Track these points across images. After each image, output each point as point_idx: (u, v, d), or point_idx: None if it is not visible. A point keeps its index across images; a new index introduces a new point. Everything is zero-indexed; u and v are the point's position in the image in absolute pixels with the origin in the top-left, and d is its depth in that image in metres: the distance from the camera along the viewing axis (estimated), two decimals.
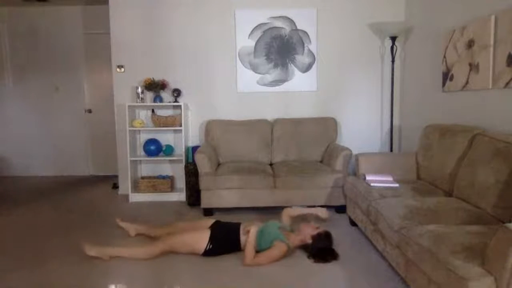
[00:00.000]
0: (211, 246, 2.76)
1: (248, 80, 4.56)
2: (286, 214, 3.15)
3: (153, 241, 2.86)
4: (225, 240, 2.81)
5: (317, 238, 2.74)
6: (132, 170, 4.40)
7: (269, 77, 4.57)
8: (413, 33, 4.25)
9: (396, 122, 4.63)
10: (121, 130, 4.61)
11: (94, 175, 5.95)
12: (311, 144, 4.32)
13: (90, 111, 5.94)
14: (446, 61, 3.47)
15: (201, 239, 2.77)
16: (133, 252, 2.75)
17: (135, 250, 2.76)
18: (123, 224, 3.24)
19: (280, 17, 4.49)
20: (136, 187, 4.50)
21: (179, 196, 4.42)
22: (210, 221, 3.01)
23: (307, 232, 2.78)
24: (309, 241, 2.75)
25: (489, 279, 1.54)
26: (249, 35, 4.51)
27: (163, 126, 4.38)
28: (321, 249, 2.73)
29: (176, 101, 4.46)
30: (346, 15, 4.51)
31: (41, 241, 3.15)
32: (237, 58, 4.54)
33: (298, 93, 4.59)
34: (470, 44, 3.10)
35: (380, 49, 4.55)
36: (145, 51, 4.56)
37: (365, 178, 3.23)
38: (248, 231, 2.78)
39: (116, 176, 5.22)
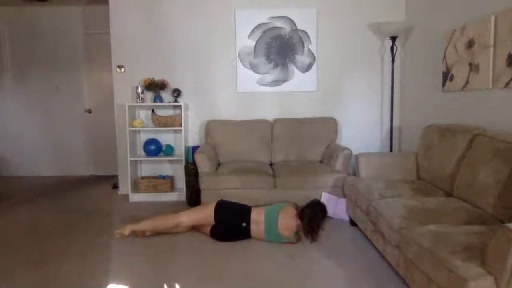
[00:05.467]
0: (222, 202, 3.12)
1: (248, 80, 4.56)
2: None
3: (166, 214, 3.20)
4: (234, 204, 3.16)
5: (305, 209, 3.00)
6: (132, 170, 4.40)
7: (269, 77, 4.57)
8: (413, 33, 4.25)
9: (396, 122, 4.63)
10: (121, 130, 4.61)
11: (94, 175, 5.95)
12: (311, 144, 4.32)
13: (90, 111, 5.94)
14: (446, 61, 3.47)
15: (210, 205, 3.12)
16: (147, 225, 3.07)
17: (149, 223, 3.08)
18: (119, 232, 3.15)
19: (280, 17, 4.49)
20: (136, 187, 4.49)
21: (179, 196, 4.42)
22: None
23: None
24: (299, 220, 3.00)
25: (489, 279, 1.54)
26: (249, 35, 4.51)
27: (163, 126, 4.37)
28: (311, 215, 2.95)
29: (176, 101, 4.46)
30: (346, 15, 4.51)
31: (41, 241, 3.15)
32: (237, 58, 4.54)
33: (298, 93, 4.59)
34: (470, 44, 3.10)
35: (380, 49, 4.55)
36: (145, 51, 4.56)
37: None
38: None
39: (116, 176, 5.22)
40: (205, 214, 3.07)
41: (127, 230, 3.04)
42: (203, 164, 3.82)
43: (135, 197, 4.39)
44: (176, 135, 4.66)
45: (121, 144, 4.62)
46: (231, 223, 3.05)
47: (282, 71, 4.56)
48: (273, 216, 2.99)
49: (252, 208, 3.10)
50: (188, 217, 3.09)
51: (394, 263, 2.34)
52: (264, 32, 4.51)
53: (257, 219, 3.02)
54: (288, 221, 2.96)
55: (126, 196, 4.50)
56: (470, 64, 3.10)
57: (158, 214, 3.24)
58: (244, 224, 3.02)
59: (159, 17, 4.52)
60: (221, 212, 3.06)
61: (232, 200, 3.31)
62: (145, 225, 3.08)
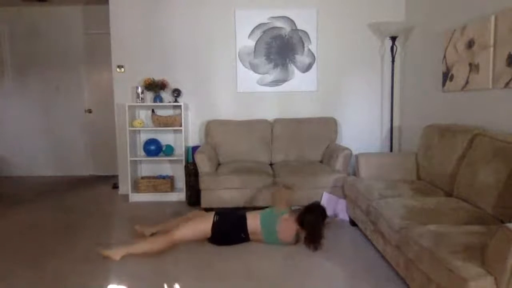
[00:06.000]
0: (218, 218, 2.92)
1: (248, 80, 4.56)
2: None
3: (160, 235, 2.90)
4: (231, 216, 3.00)
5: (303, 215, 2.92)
6: (132, 170, 4.40)
7: (269, 77, 4.57)
8: (413, 33, 4.25)
9: (396, 122, 4.63)
10: (121, 130, 4.61)
11: (94, 175, 5.95)
12: (311, 144, 4.32)
13: (90, 111, 5.94)
14: (446, 61, 3.47)
15: (206, 219, 2.94)
16: (141, 248, 2.78)
17: (143, 245, 2.80)
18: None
19: (280, 17, 4.49)
20: (136, 187, 4.49)
21: (179, 196, 4.42)
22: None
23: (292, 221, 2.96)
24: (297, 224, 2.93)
25: (489, 279, 1.54)
26: (249, 35, 4.51)
27: (163, 126, 4.37)
28: (311, 223, 2.87)
29: (176, 101, 4.46)
30: (346, 15, 4.51)
31: (42, 241, 3.15)
32: (237, 58, 4.54)
33: (298, 93, 4.59)
34: (470, 44, 3.10)
35: (380, 49, 4.55)
36: (145, 51, 4.56)
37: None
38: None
39: (116, 176, 5.22)
40: (201, 231, 2.90)
41: (118, 255, 2.71)
42: (203, 164, 3.82)
43: (135, 197, 4.39)
44: (176, 135, 4.66)
45: (121, 144, 4.62)
46: (230, 236, 2.98)
47: (282, 71, 4.56)
48: (271, 224, 2.93)
49: (247, 214, 3.01)
50: (184, 234, 2.86)
51: (394, 263, 2.34)
52: (264, 32, 4.51)
53: (254, 225, 2.95)
54: (287, 230, 2.93)
55: (126, 196, 4.50)
56: (470, 64, 3.10)
57: (151, 238, 2.93)
58: (243, 235, 2.98)
59: (159, 17, 4.52)
60: (219, 227, 2.92)
61: (228, 205, 3.27)
62: (139, 248, 2.78)
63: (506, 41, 2.67)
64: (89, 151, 5.99)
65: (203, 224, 2.92)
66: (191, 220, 2.99)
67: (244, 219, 2.98)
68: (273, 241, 2.97)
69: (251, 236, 2.98)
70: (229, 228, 2.97)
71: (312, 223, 2.86)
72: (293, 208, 3.80)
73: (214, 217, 2.94)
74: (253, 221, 2.97)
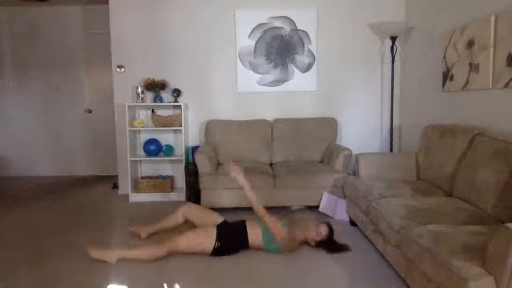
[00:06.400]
0: (219, 244, 2.76)
1: (248, 80, 4.56)
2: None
3: (159, 243, 2.77)
4: (232, 238, 2.84)
5: (323, 240, 2.90)
6: (132, 170, 4.40)
7: (269, 77, 4.57)
8: (413, 33, 4.25)
9: (396, 122, 4.63)
10: (121, 130, 4.61)
11: (94, 175, 5.95)
12: (311, 144, 4.32)
13: (90, 111, 5.94)
14: (446, 61, 3.47)
15: (209, 237, 2.76)
16: (138, 254, 2.71)
17: (140, 252, 2.71)
18: (134, 228, 3.20)
19: (280, 17, 4.49)
20: (136, 187, 4.49)
21: (179, 196, 4.42)
22: (218, 217, 3.02)
23: (311, 237, 2.91)
24: (313, 243, 2.92)
25: (489, 279, 1.54)
26: (249, 35, 4.51)
27: (163, 126, 4.37)
28: (330, 245, 2.90)
29: (176, 101, 4.46)
30: (346, 15, 4.51)
31: (41, 241, 3.15)
32: (237, 58, 4.54)
33: (298, 93, 4.59)
34: (470, 44, 3.10)
35: (380, 49, 4.55)
36: (145, 51, 4.56)
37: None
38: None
39: (116, 176, 5.22)
40: (201, 249, 2.77)
41: (114, 257, 2.70)
42: (203, 164, 3.82)
43: (135, 197, 4.39)
44: (176, 135, 4.66)
45: (121, 144, 4.62)
46: (233, 250, 2.89)
47: (282, 71, 4.56)
48: (273, 242, 2.84)
49: (248, 226, 2.89)
50: (184, 248, 2.75)
51: (394, 263, 2.34)
52: (264, 32, 4.51)
53: (255, 237, 2.85)
54: (291, 246, 2.89)
55: (126, 196, 4.50)
56: (470, 64, 3.10)
57: (151, 247, 2.76)
58: (244, 247, 2.92)
59: (159, 17, 4.52)
60: (221, 250, 2.79)
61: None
62: (137, 255, 2.71)
63: (506, 41, 2.67)
64: (89, 151, 5.99)
65: (204, 241, 2.75)
66: (193, 232, 2.79)
67: (245, 231, 2.85)
68: (274, 253, 2.88)
69: (251, 248, 2.89)
70: (231, 249, 2.84)
71: (336, 246, 2.91)
72: (293, 208, 3.83)
73: (215, 243, 2.74)
74: (254, 231, 2.86)
